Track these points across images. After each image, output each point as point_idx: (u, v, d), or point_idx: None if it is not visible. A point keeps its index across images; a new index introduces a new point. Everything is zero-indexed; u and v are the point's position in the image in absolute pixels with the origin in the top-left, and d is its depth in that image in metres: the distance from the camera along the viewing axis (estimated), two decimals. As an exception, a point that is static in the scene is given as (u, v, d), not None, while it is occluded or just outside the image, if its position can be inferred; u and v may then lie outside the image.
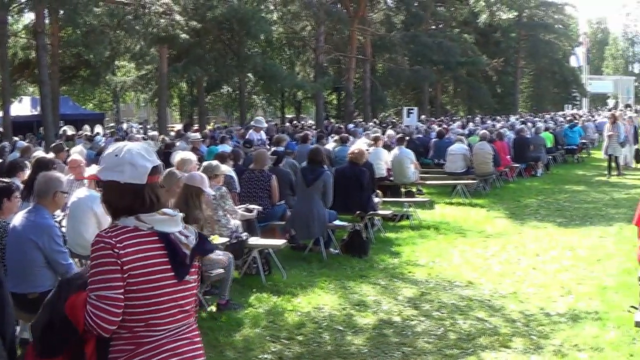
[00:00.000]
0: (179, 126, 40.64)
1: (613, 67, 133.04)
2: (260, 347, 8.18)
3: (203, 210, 9.31)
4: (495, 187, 22.38)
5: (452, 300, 10.07)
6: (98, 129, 42.70)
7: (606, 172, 25.71)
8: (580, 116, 49.39)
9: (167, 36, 30.83)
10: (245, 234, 11.12)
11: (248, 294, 10.36)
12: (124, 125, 54.73)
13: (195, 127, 38.14)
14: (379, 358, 7.90)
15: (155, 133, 29.62)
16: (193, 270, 3.87)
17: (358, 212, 13.87)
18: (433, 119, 47.90)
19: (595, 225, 16.08)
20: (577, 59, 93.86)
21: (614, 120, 26.05)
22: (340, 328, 8.88)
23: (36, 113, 40.56)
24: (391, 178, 19.13)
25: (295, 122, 51.03)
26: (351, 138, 22.23)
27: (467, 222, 16.71)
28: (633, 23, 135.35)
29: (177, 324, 3.75)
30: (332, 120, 57.23)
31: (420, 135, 28.50)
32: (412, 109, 41.41)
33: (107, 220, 3.85)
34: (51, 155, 14.71)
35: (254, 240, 11.39)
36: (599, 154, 29.09)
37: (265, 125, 28.78)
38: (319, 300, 10.10)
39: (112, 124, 58.77)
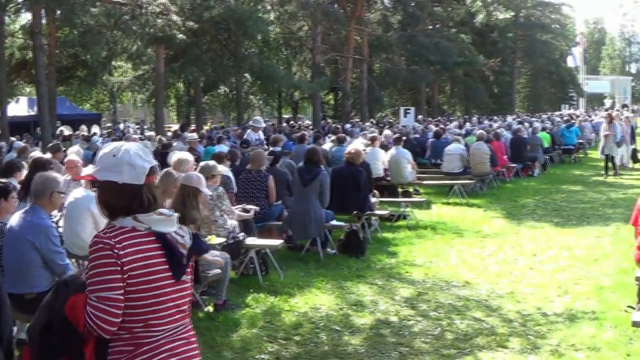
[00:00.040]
0: (176, 126, 40.66)
1: (610, 67, 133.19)
2: (257, 348, 8.18)
3: (200, 211, 9.30)
4: (492, 187, 22.40)
5: (449, 300, 10.07)
6: (95, 129, 42.72)
7: (603, 172, 25.74)
8: (577, 116, 49.42)
9: (164, 36, 30.82)
10: (242, 234, 11.12)
11: (245, 294, 10.36)
12: (121, 126, 54.69)
13: (193, 127, 38.05)
14: (376, 358, 7.90)
15: (152, 133, 29.62)
16: (188, 270, 3.87)
17: (355, 212, 13.88)
18: (430, 119, 47.88)
19: (592, 225, 16.09)
20: (574, 59, 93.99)
21: (610, 119, 26.04)
22: (338, 328, 8.88)
23: (33, 113, 40.61)
24: (388, 178, 19.11)
25: (292, 122, 50.97)
26: (348, 138, 22.23)
27: (464, 222, 16.72)
28: (630, 23, 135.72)
29: (175, 324, 3.75)
30: (329, 120, 57.21)
31: (417, 135, 28.53)
32: (409, 109, 41.54)
33: (104, 220, 3.83)
34: (48, 155, 14.70)
35: (251, 241, 11.39)
36: (596, 154, 29.13)
37: (264, 125, 28.82)
38: (316, 301, 10.10)
39: (109, 124, 58.74)
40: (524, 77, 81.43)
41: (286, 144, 20.17)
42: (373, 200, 14.91)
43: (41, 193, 7.48)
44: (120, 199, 3.68)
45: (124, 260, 3.53)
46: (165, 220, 3.74)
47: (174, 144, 20.80)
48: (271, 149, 17.92)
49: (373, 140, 19.65)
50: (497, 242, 14.27)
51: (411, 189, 20.20)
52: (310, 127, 41.09)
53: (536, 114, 55.93)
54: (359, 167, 14.17)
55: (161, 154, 17.73)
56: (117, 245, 3.54)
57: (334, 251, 13.22)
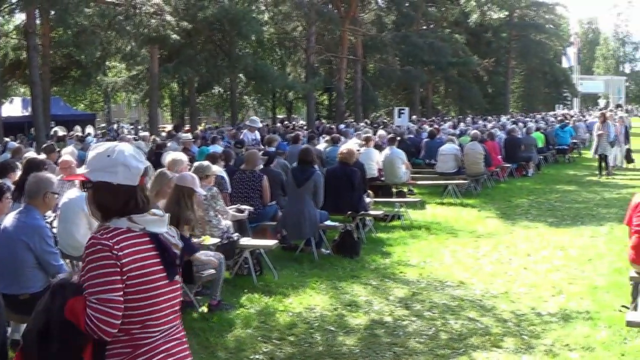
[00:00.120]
0: (170, 127, 40.61)
1: (604, 67, 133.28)
2: (251, 348, 8.17)
3: (194, 211, 9.29)
4: (486, 187, 22.41)
5: (444, 300, 10.08)
6: (89, 129, 42.72)
7: (597, 172, 25.78)
8: (572, 116, 49.56)
9: (158, 37, 30.78)
10: (237, 234, 11.12)
11: (239, 294, 10.34)
12: (115, 126, 54.66)
13: (187, 127, 38.08)
14: (371, 358, 7.90)
15: (147, 133, 29.57)
16: (179, 270, 3.86)
17: (349, 212, 13.88)
18: (424, 119, 48.01)
19: (586, 225, 16.12)
20: (568, 59, 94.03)
21: (603, 119, 26.08)
22: (332, 328, 8.88)
23: (27, 114, 40.53)
24: (382, 178, 19.11)
25: (286, 122, 51.04)
26: (342, 138, 22.23)
27: (458, 222, 16.73)
28: (624, 23, 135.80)
29: (170, 325, 3.75)
30: (324, 120, 57.28)
31: (412, 136, 28.53)
32: (403, 109, 41.45)
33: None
34: (42, 156, 14.70)
35: (245, 241, 11.39)
36: (590, 154, 29.13)
37: (260, 125, 28.79)
38: (311, 301, 10.10)
39: (103, 125, 58.71)
40: (518, 77, 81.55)
41: (280, 144, 20.21)
42: (367, 200, 14.90)
43: (35, 193, 7.47)
44: (115, 200, 3.66)
45: (123, 261, 3.52)
46: (158, 221, 3.73)
47: (168, 144, 20.78)
48: (265, 149, 17.94)
49: (367, 140, 19.64)
50: (492, 242, 14.28)
51: (405, 189, 20.20)
52: (305, 128, 41.08)
53: (530, 114, 56.02)
54: (353, 167, 14.16)
55: (155, 154, 17.73)
56: (115, 247, 3.52)
57: (328, 251, 13.21)
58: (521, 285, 10.86)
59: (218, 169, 12.69)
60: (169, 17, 30.52)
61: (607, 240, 14.12)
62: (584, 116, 55.77)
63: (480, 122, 40.98)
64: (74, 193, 9.18)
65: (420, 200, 18.82)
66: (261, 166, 14.09)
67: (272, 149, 18.34)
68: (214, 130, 37.43)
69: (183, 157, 12.06)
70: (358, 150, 16.93)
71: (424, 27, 59.75)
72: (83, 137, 30.16)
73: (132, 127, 53.57)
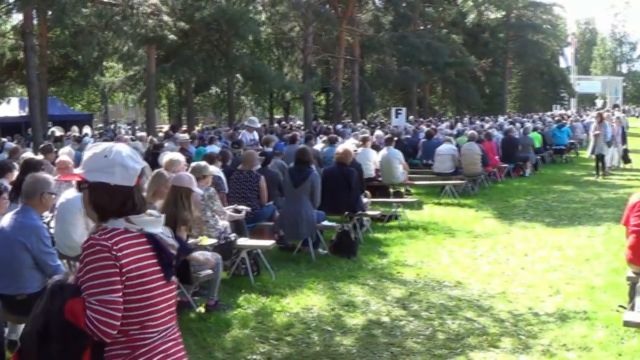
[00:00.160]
0: (167, 127, 40.59)
1: (601, 68, 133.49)
2: (249, 348, 8.17)
3: (192, 212, 9.28)
4: (483, 188, 22.42)
5: (441, 301, 10.08)
6: (86, 129, 42.63)
7: (594, 172, 25.78)
8: (569, 116, 49.59)
9: (155, 37, 30.79)
10: (234, 234, 11.11)
11: (237, 294, 10.34)
12: (112, 126, 54.63)
13: (184, 127, 38.06)
14: (368, 358, 7.90)
15: (144, 134, 29.55)
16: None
17: (346, 212, 13.88)
18: (421, 119, 47.99)
19: (583, 225, 16.12)
20: (566, 59, 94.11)
21: (600, 119, 26.10)
22: (329, 328, 8.87)
23: (24, 114, 40.50)
24: (380, 178, 19.12)
25: (283, 122, 51.01)
26: (340, 139, 22.23)
27: (455, 222, 16.73)
28: (621, 23, 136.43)
29: (167, 325, 3.74)
30: (321, 120, 57.24)
31: (409, 136, 28.55)
32: (400, 110, 41.54)
33: (94, 221, 3.81)
34: (40, 156, 14.69)
35: (243, 241, 11.39)
36: (587, 154, 29.13)
37: (259, 125, 28.80)
38: (308, 301, 10.10)
39: (100, 125, 58.66)
40: (515, 78, 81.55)
41: (277, 145, 20.18)
42: (365, 200, 14.90)
43: (32, 194, 7.47)
44: (112, 200, 3.65)
45: (123, 262, 3.50)
46: (155, 221, 3.72)
47: (166, 144, 20.78)
48: (263, 149, 17.94)
49: (364, 140, 19.65)
50: (489, 242, 14.29)
51: (403, 190, 20.20)
52: (302, 128, 41.12)
53: (527, 114, 56.05)
54: (350, 167, 14.16)
55: (152, 155, 17.73)
56: (114, 247, 3.51)
57: (325, 252, 13.21)
58: (518, 285, 10.87)
59: (215, 169, 12.69)
60: (166, 18, 30.52)
61: (604, 240, 14.13)
62: (581, 116, 55.73)
63: (478, 122, 41.01)
64: (71, 193, 9.17)
65: (418, 200, 18.80)
66: (258, 166, 14.08)
67: (270, 149, 18.33)
68: (212, 130, 37.46)
69: (180, 157, 12.07)
70: (355, 151, 16.92)
71: (421, 28, 59.85)
72: (80, 138, 30.11)
73: (129, 127, 53.49)
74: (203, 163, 11.53)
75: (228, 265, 11.07)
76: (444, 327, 8.87)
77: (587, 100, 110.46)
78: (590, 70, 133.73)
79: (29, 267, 7.31)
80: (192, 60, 37.52)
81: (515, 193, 21.78)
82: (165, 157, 12.22)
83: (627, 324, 7.58)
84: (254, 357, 7.93)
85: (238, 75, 44.45)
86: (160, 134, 31.06)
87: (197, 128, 44.70)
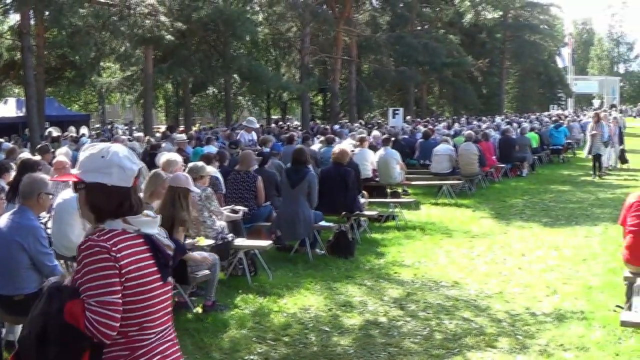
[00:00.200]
0: (164, 127, 40.55)
1: (598, 68, 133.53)
2: (246, 348, 8.17)
3: (190, 212, 9.27)
4: (480, 188, 22.42)
5: (438, 301, 10.08)
6: (83, 130, 42.57)
7: (592, 172, 25.79)
8: (566, 116, 49.61)
9: (152, 37, 30.79)
10: (231, 235, 11.12)
11: (234, 295, 10.34)
12: (109, 127, 54.62)
13: (181, 128, 38.01)
14: (365, 359, 7.90)
15: (141, 134, 29.54)
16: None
17: (344, 212, 13.88)
18: (419, 119, 48.07)
19: (580, 225, 16.13)
20: (563, 59, 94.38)
21: (597, 119, 26.14)
22: (326, 329, 8.88)
23: (21, 114, 40.46)
24: (377, 179, 19.12)
25: (281, 123, 51.06)
26: (337, 139, 22.21)
27: (452, 222, 16.74)
28: (618, 24, 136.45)
29: (164, 326, 3.73)
30: (318, 121, 57.27)
31: (406, 136, 28.54)
32: (397, 110, 41.45)
33: (91, 222, 3.79)
34: (37, 156, 14.68)
35: (240, 242, 11.39)
36: (583, 155, 29.14)
37: (257, 125, 28.85)
38: (305, 301, 10.10)
39: (97, 125, 58.61)
40: (512, 78, 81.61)
41: (275, 145, 20.20)
42: (362, 200, 14.90)
43: (29, 194, 7.46)
44: (109, 201, 3.63)
45: (122, 263, 3.49)
46: (151, 222, 3.72)
47: (163, 144, 20.79)
48: (262, 149, 17.95)
49: (362, 141, 19.66)
50: (486, 242, 14.29)
51: (400, 190, 20.20)
52: (299, 128, 41.12)
53: (524, 115, 56.09)
54: (347, 167, 14.16)
55: (149, 155, 17.74)
56: (113, 249, 3.49)
57: (322, 252, 13.21)
58: (515, 285, 10.87)
59: (212, 170, 12.69)
60: (163, 18, 30.52)
61: (601, 240, 14.13)
62: (578, 116, 55.82)
63: (475, 122, 40.99)
64: (68, 194, 9.16)
65: (415, 200, 18.82)
66: (256, 167, 14.09)
67: (267, 149, 18.34)
68: (209, 130, 37.46)
69: (177, 157, 12.06)
70: (352, 151, 16.94)
71: (419, 28, 59.84)
72: (77, 138, 30.09)
73: (126, 127, 53.40)
74: (200, 163, 11.54)
75: (225, 265, 11.07)
76: (442, 327, 8.87)
77: (584, 101, 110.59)
78: (587, 71, 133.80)
79: (26, 267, 7.30)
80: (189, 60, 37.53)
81: (512, 193, 21.79)
82: (163, 157, 12.22)
83: (624, 324, 7.58)
84: (251, 357, 7.93)
85: (235, 75, 44.41)
86: (158, 135, 31.04)
87: (194, 128, 44.69)
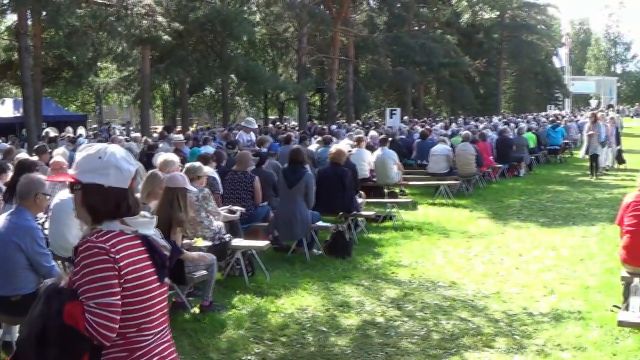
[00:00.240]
0: (161, 128, 40.53)
1: (595, 68, 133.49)
2: (243, 349, 8.17)
3: (187, 212, 9.27)
4: (478, 188, 22.44)
5: (435, 301, 10.09)
6: (81, 130, 42.61)
7: (589, 172, 25.81)
8: (563, 116, 49.69)
9: (149, 37, 30.70)
10: (228, 235, 11.11)
11: (231, 295, 10.34)
12: (106, 127, 54.60)
13: (178, 128, 38.06)
14: (363, 359, 7.91)
15: (138, 134, 29.50)
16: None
17: (341, 212, 13.87)
18: (416, 119, 48.08)
19: (577, 225, 16.16)
20: (560, 59, 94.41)
21: (594, 119, 26.16)
22: (324, 329, 8.88)
23: (18, 115, 40.40)
24: (374, 179, 19.11)
25: (278, 123, 51.02)
26: (334, 139, 22.22)
27: (450, 222, 16.74)
28: (615, 24, 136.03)
29: (161, 327, 3.73)
30: (315, 121, 57.28)
31: (403, 136, 28.56)
32: (394, 110, 41.55)
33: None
34: (34, 157, 14.67)
35: (237, 242, 11.38)
36: (580, 155, 29.17)
37: (256, 126, 28.85)
38: (303, 302, 10.10)
39: (94, 126, 58.58)
40: (509, 78, 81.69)
41: (272, 145, 20.19)
42: (359, 201, 14.90)
43: (26, 194, 7.46)
44: (106, 202, 3.61)
45: (121, 264, 3.48)
46: (148, 223, 3.71)
47: (160, 145, 20.76)
48: (260, 150, 17.94)
49: (359, 141, 19.64)
50: (483, 243, 14.30)
51: (397, 190, 20.21)
52: (296, 128, 41.08)
53: (522, 115, 56.13)
54: (344, 167, 14.15)
55: (147, 155, 17.72)
56: (112, 250, 3.48)
57: (320, 252, 13.21)
58: (513, 285, 10.88)
59: (210, 170, 12.68)
60: (160, 18, 30.44)
61: (598, 240, 14.16)
62: (575, 116, 55.87)
63: (472, 122, 40.96)
64: (65, 194, 9.14)
65: (412, 200, 18.84)
66: (253, 167, 14.09)
67: (264, 149, 18.33)
68: (206, 131, 37.37)
69: (175, 158, 12.03)
70: (350, 151, 16.93)
71: (416, 28, 59.83)
72: (74, 138, 30.13)
73: (123, 128, 53.38)
74: (197, 164, 11.52)
75: (222, 265, 11.07)
76: (439, 327, 8.88)
77: (581, 101, 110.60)
78: (584, 71, 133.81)
79: (23, 267, 7.30)
80: (186, 60, 37.44)
81: (509, 193, 21.81)
82: (160, 157, 12.20)
83: (621, 324, 7.59)
84: (249, 357, 7.93)
85: (232, 75, 44.36)
86: (155, 135, 31.02)
87: (191, 129, 44.61)
